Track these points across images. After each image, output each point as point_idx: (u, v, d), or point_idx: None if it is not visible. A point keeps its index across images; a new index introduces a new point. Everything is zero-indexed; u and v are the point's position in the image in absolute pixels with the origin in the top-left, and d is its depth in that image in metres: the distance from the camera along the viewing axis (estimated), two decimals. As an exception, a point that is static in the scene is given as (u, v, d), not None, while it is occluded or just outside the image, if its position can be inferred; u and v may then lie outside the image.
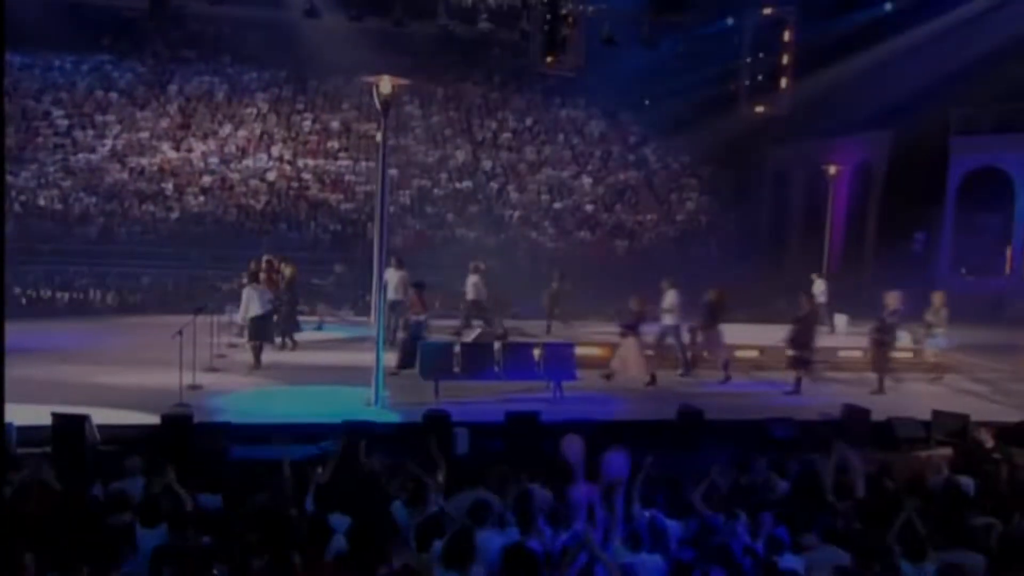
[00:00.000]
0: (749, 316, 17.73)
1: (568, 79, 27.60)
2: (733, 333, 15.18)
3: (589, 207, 28.33)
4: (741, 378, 13.91)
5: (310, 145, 28.42)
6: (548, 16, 23.34)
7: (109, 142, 26.70)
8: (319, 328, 17.05)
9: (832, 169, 21.47)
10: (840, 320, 18.28)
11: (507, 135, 30.78)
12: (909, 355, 14.84)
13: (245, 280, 14.55)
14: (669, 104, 30.65)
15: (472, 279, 15.80)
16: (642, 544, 5.53)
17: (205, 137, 27.70)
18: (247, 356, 13.43)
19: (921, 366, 14.67)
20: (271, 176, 26.74)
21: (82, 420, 9.14)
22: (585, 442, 6.33)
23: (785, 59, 25.83)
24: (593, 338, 15.31)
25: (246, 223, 24.52)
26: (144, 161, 26.12)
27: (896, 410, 11.30)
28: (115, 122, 27.43)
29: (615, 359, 13.20)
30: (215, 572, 5.11)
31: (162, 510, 5.90)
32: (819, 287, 18.44)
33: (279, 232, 24.32)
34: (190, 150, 27.04)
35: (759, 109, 26.89)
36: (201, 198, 25.24)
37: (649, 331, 13.59)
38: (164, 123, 27.76)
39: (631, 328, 13.05)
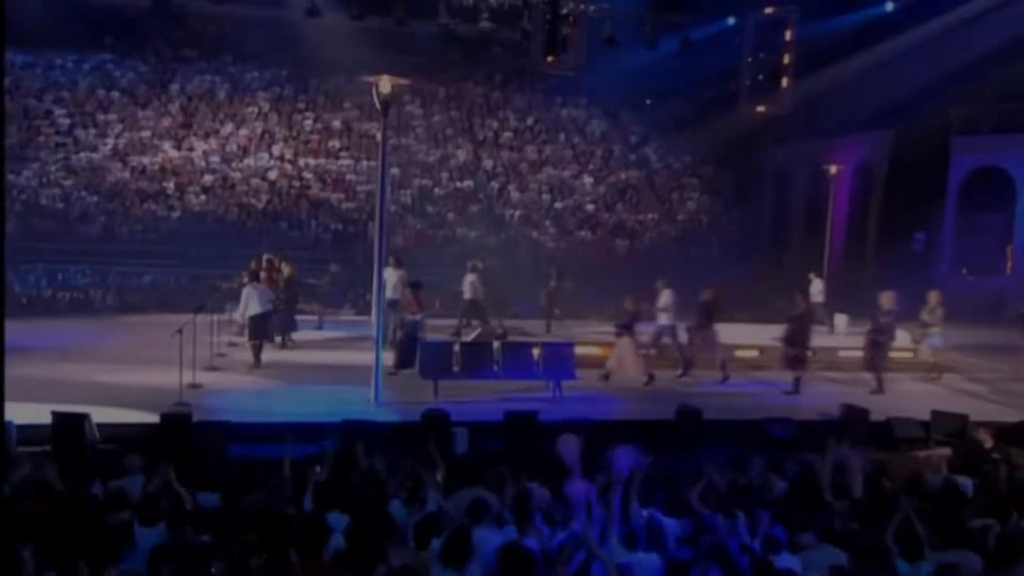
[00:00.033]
0: (749, 316, 17.75)
1: (569, 78, 27.58)
2: (733, 333, 15.20)
3: (590, 206, 28.35)
4: (739, 378, 13.91)
5: (311, 144, 28.44)
6: (549, 15, 23.34)
7: (111, 141, 26.74)
8: (319, 328, 17.07)
9: (833, 169, 21.45)
10: (840, 320, 18.29)
11: (508, 134, 30.79)
12: (908, 355, 14.83)
13: (245, 279, 14.58)
14: (670, 103, 30.65)
15: (469, 278, 15.81)
16: (639, 543, 5.54)
17: (206, 136, 27.73)
18: (247, 355, 13.46)
19: (919, 366, 14.66)
20: (272, 175, 26.77)
21: (82, 419, 9.17)
22: (582, 441, 6.33)
23: (786, 59, 25.84)
24: (593, 338, 15.31)
25: (247, 222, 24.55)
26: (145, 160, 26.16)
27: (895, 410, 11.31)
28: (117, 121, 27.46)
29: (611, 359, 13.23)
30: (213, 571, 5.12)
31: (161, 509, 5.91)
32: (816, 287, 18.45)
33: (280, 231, 24.35)
34: (191, 149, 27.07)
35: (760, 109, 26.89)
36: (202, 197, 25.27)
37: (645, 331, 13.60)
38: (166, 122, 27.79)
39: (627, 328, 13.06)
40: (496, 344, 12.88)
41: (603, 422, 10.09)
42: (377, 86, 10.93)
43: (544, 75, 28.59)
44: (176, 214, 24.31)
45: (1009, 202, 23.58)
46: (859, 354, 13.96)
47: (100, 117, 27.47)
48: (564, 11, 23.41)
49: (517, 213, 27.30)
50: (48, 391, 10.47)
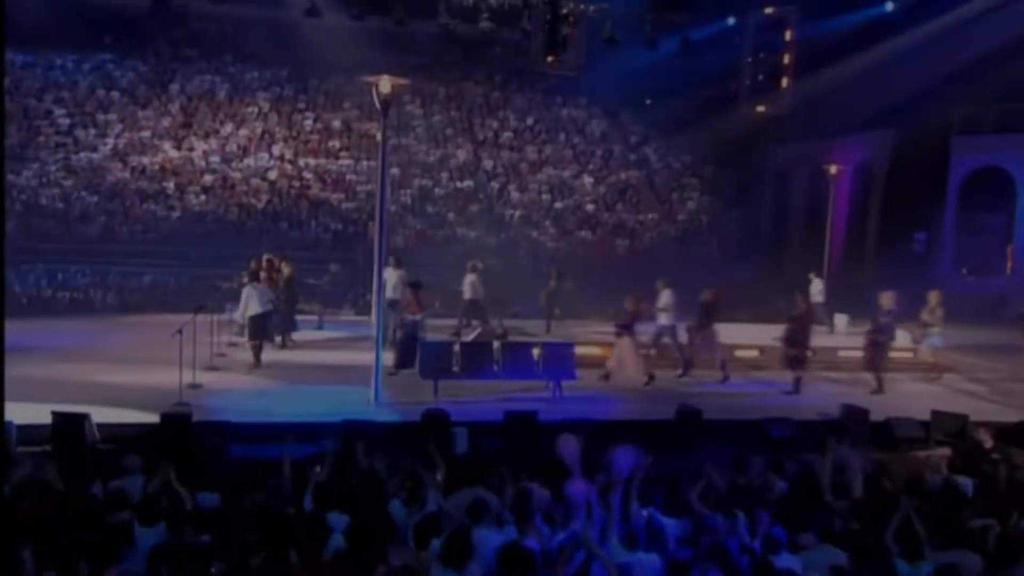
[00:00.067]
0: (750, 316, 17.74)
1: (569, 78, 27.58)
2: (734, 333, 15.20)
3: (590, 206, 28.35)
4: (739, 378, 13.90)
5: (311, 144, 28.45)
6: (549, 15, 23.35)
7: (111, 141, 26.74)
8: (319, 328, 17.08)
9: (833, 169, 21.44)
10: (840, 320, 18.28)
11: (508, 134, 30.79)
12: (908, 355, 14.83)
13: (245, 279, 14.58)
14: (670, 104, 30.65)
15: (469, 278, 15.80)
16: (639, 543, 5.53)
17: (206, 136, 27.74)
18: (247, 355, 13.46)
19: (919, 366, 14.65)
20: (272, 175, 26.77)
21: (82, 419, 9.17)
22: (582, 441, 6.33)
23: (786, 59, 25.84)
24: (593, 338, 15.31)
25: (247, 222, 24.55)
26: (145, 160, 26.16)
27: (895, 410, 11.30)
28: (117, 121, 27.46)
29: (611, 359, 13.22)
30: (213, 571, 5.11)
31: (161, 509, 5.91)
32: (816, 287, 18.44)
33: (280, 231, 24.36)
34: (191, 149, 27.08)
35: (760, 109, 26.90)
36: (202, 197, 25.27)
37: (645, 331, 13.60)
38: (166, 122, 27.79)
39: (626, 328, 13.06)
40: (496, 344, 12.87)
41: (603, 422, 10.09)
42: (377, 86, 10.93)
43: (544, 75, 28.60)
44: (176, 214, 24.32)
45: (1009, 202, 23.58)
46: (859, 354, 13.95)
47: (100, 117, 27.48)
48: (564, 11, 23.42)
49: (517, 213, 27.30)
50: (48, 391, 10.47)
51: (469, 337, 14.42)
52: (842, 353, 15.17)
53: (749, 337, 15.29)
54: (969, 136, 24.13)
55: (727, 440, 9.62)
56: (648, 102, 32.60)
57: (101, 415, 9.58)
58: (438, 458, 7.09)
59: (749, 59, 27.34)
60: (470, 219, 26.37)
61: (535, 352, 12.41)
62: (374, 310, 12.37)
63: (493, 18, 26.91)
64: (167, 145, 26.96)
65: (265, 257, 15.59)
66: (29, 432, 8.75)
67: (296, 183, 26.73)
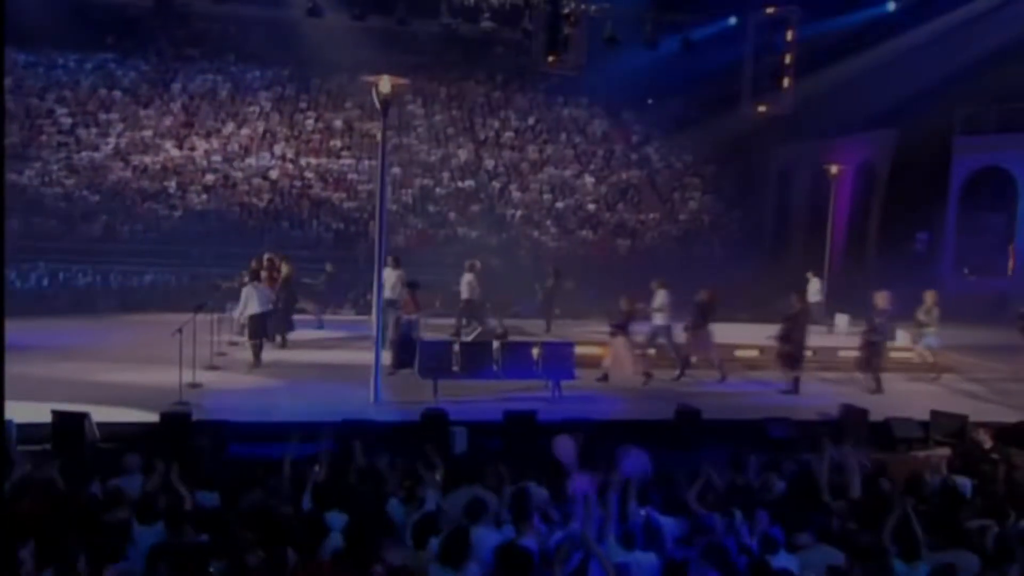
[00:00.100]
0: (751, 316, 17.72)
1: (571, 78, 27.58)
2: (734, 333, 15.20)
3: (591, 206, 28.35)
4: (737, 378, 13.89)
5: (313, 144, 28.49)
6: (550, 15, 23.34)
7: (112, 140, 26.79)
8: (320, 327, 17.10)
9: (834, 168, 21.42)
10: (841, 320, 18.26)
11: (509, 134, 30.80)
12: (908, 355, 14.82)
13: (246, 278, 14.59)
14: (672, 103, 30.66)
15: (467, 277, 15.78)
16: (637, 543, 5.53)
17: (208, 135, 27.78)
18: (247, 354, 13.47)
19: (918, 366, 14.63)
20: (274, 174, 26.81)
21: (82, 417, 9.19)
22: (579, 441, 6.34)
23: (788, 58, 25.80)
24: (593, 337, 15.30)
25: (249, 221, 24.59)
26: (147, 159, 26.21)
27: (894, 410, 11.29)
28: (118, 120, 27.52)
29: (607, 359, 13.23)
30: (212, 569, 5.12)
31: (159, 507, 5.93)
32: (814, 286, 18.42)
33: (281, 230, 24.39)
34: (193, 148, 27.12)
35: (762, 108, 26.88)
36: (204, 196, 25.31)
37: (640, 331, 13.60)
38: (167, 121, 27.84)
39: (621, 328, 13.07)
40: (495, 344, 12.87)
41: (602, 422, 10.11)
42: (377, 86, 10.94)
43: (545, 75, 28.61)
44: (178, 213, 24.35)
45: (1011, 202, 23.56)
46: (857, 354, 13.90)
47: (102, 116, 27.53)
48: (565, 11, 23.42)
49: (518, 213, 27.31)
50: (48, 390, 10.49)
51: (469, 337, 14.42)
52: (842, 353, 15.14)
53: (750, 337, 15.27)
54: (970, 136, 24.12)
55: (726, 440, 9.62)
56: (649, 102, 32.61)
57: (101, 414, 9.60)
58: (436, 458, 7.10)
59: (751, 59, 27.31)
60: (471, 219, 26.39)
61: (534, 352, 12.40)
62: (374, 310, 12.38)
63: (494, 18, 26.91)
64: (169, 144, 27.01)
65: (266, 256, 15.61)
66: (29, 431, 8.78)
67: (298, 182, 26.77)
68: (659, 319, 13.76)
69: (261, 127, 28.59)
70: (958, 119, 24.19)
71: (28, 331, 13.58)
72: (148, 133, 27.20)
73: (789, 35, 25.58)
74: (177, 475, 6.51)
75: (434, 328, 15.84)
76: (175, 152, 26.80)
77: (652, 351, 14.08)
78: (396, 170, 27.23)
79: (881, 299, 13.49)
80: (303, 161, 27.63)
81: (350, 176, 27.44)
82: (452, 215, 26.57)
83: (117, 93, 28.45)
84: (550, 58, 23.74)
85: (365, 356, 11.92)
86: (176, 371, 10.92)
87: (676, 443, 9.85)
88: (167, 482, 6.45)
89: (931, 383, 14.17)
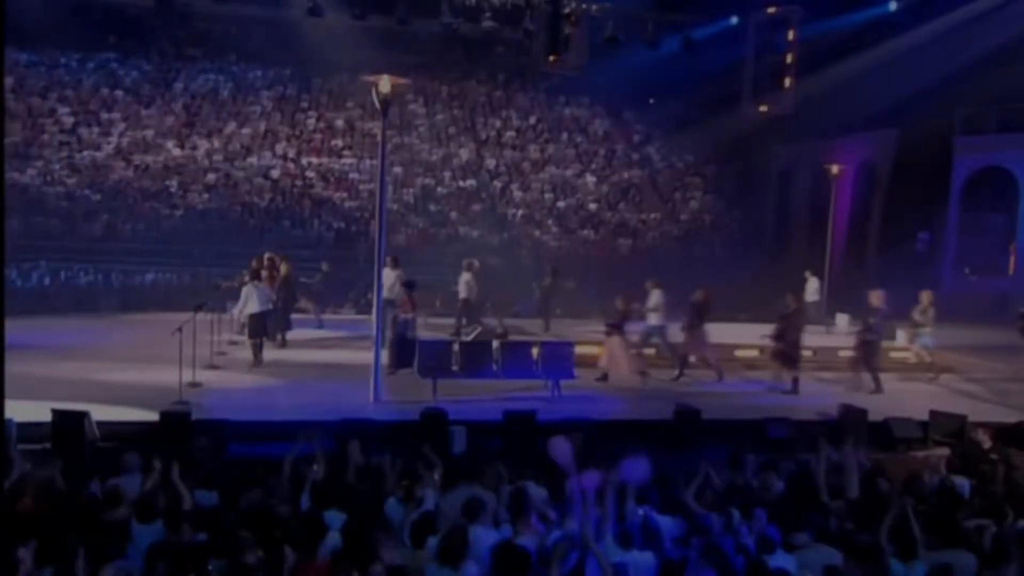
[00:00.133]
0: (751, 315, 17.71)
1: (572, 77, 27.60)
2: (734, 332, 15.19)
3: (593, 206, 28.36)
4: (738, 378, 13.88)
5: (314, 143, 28.53)
6: (551, 15, 23.35)
7: (114, 139, 26.84)
8: (320, 326, 17.12)
9: (835, 168, 21.40)
10: (841, 320, 18.25)
11: (511, 133, 30.81)
12: (907, 355, 14.81)
13: (247, 278, 14.61)
14: (673, 103, 30.65)
15: (465, 277, 15.77)
16: (634, 542, 5.54)
17: (210, 135, 27.82)
18: (247, 353, 13.49)
19: (918, 366, 14.62)
20: (275, 174, 26.85)
21: (81, 416, 9.20)
22: (577, 442, 6.33)
23: (789, 58, 25.78)
24: (593, 337, 15.30)
25: (250, 221, 24.62)
26: (149, 159, 26.25)
27: (893, 410, 11.28)
28: (120, 120, 27.57)
29: (602, 358, 13.23)
30: (210, 568, 5.14)
31: (158, 506, 5.94)
32: (812, 285, 18.39)
33: (283, 230, 24.42)
34: (195, 148, 27.16)
35: (763, 108, 26.86)
36: (205, 196, 25.34)
37: (635, 331, 13.61)
38: (169, 121, 27.89)
39: (616, 327, 13.08)
40: (495, 343, 12.87)
41: (602, 422, 10.13)
42: (376, 86, 10.94)
43: (547, 74, 28.65)
44: (179, 212, 24.38)
45: (1012, 202, 23.55)
46: (851, 354, 13.87)
47: (104, 116, 27.58)
48: (566, 10, 23.44)
49: (519, 212, 27.32)
50: (48, 389, 10.51)
51: (469, 336, 14.43)
52: (842, 353, 15.13)
53: (749, 337, 15.27)
54: (972, 136, 24.10)
55: (726, 440, 9.62)
56: (651, 101, 32.60)
57: (101, 413, 9.62)
58: (435, 458, 7.11)
59: (751, 59, 27.30)
60: (472, 218, 26.41)
61: (534, 351, 12.40)
62: (374, 309, 12.39)
63: (495, 17, 26.95)
64: (170, 144, 27.05)
65: (267, 256, 15.63)
66: (29, 430, 8.79)
67: (299, 182, 26.80)
68: (654, 319, 13.76)
69: (262, 126, 28.63)
70: (959, 119, 24.16)
71: (29, 330, 13.63)
72: (150, 132, 27.24)
73: (790, 35, 25.56)
74: (177, 474, 6.52)
75: (434, 328, 15.85)
76: (176, 151, 26.84)
77: (651, 351, 14.07)
78: (398, 169, 27.28)
79: (876, 298, 13.45)
80: (304, 160, 27.66)
81: (351, 175, 27.46)
82: (453, 214, 26.59)
83: (119, 92, 28.50)
84: (551, 58, 23.76)
85: (365, 355, 11.93)
86: (176, 370, 10.93)
87: (675, 443, 9.85)
88: (166, 481, 6.47)
89: (930, 383, 14.15)
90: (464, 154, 29.35)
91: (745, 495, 6.94)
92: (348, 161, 28.02)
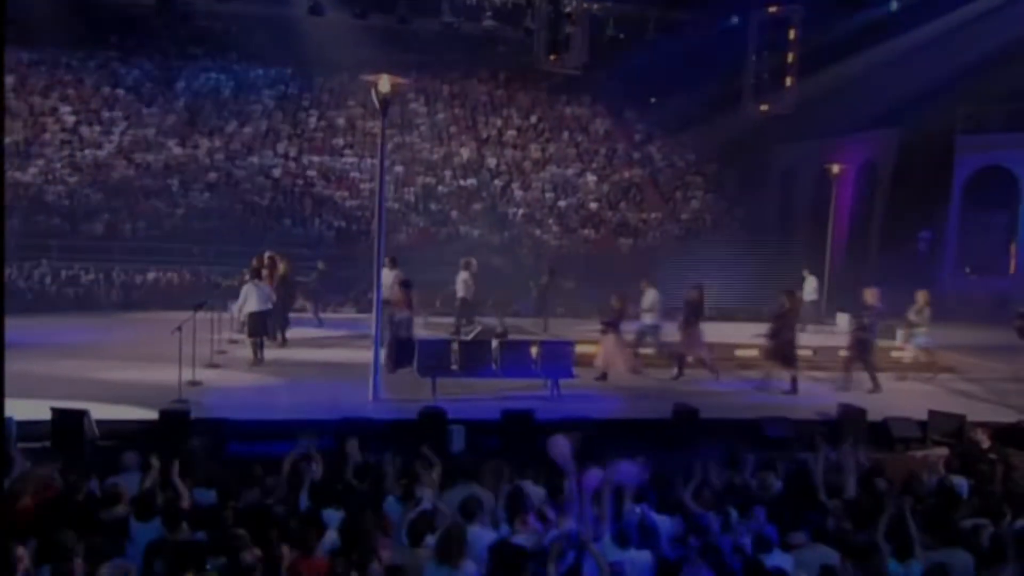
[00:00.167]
0: (751, 315, 17.72)
1: (573, 77, 27.54)
2: (734, 332, 15.18)
3: (593, 205, 28.35)
4: (737, 377, 13.89)
5: (315, 142, 28.53)
6: (552, 14, 23.36)
7: (115, 138, 26.85)
8: (320, 325, 17.14)
9: (837, 168, 21.40)
10: (842, 319, 18.22)
11: (512, 132, 30.80)
12: (905, 354, 14.79)
13: (247, 276, 14.63)
14: (674, 102, 30.55)
15: (462, 276, 15.78)
16: (632, 541, 5.55)
17: (211, 133, 27.83)
18: (247, 352, 13.52)
19: (915, 366, 14.61)
20: (276, 173, 26.85)
21: (81, 415, 9.22)
22: (576, 441, 6.34)
23: (790, 57, 25.80)
24: (592, 336, 15.29)
25: (251, 219, 24.62)
26: (150, 157, 26.25)
27: (892, 410, 11.28)
28: (121, 118, 27.58)
29: (598, 357, 13.24)
30: (209, 567, 5.16)
31: (157, 505, 5.96)
32: (810, 284, 18.37)
33: (284, 228, 24.44)
34: (196, 146, 27.17)
35: (764, 107, 26.86)
36: (206, 194, 25.36)
37: (629, 330, 13.60)
38: (170, 119, 27.90)
39: (612, 325, 13.08)
40: (494, 342, 12.88)
41: (601, 421, 10.14)
42: (376, 85, 10.94)
43: (548, 73, 28.56)
44: (180, 211, 24.39)
45: (1013, 201, 23.54)
46: (847, 353, 13.85)
47: (105, 114, 27.60)
48: (567, 10, 23.43)
49: (520, 211, 27.32)
50: (48, 387, 10.54)
51: (469, 335, 14.44)
52: (842, 352, 15.11)
53: (749, 336, 15.27)
54: (973, 135, 24.09)
55: (725, 439, 9.61)
56: (652, 100, 32.57)
57: (101, 411, 9.63)
58: (433, 457, 7.12)
59: (753, 58, 27.29)
60: (473, 217, 26.41)
61: (533, 350, 12.40)
62: (374, 309, 12.40)
63: (496, 16, 26.96)
64: (172, 142, 27.06)
65: (267, 254, 15.64)
66: (29, 428, 8.81)
67: (300, 181, 26.81)
68: (648, 319, 13.76)
69: (264, 125, 28.64)
70: (960, 118, 24.14)
71: (30, 329, 13.66)
72: (151, 131, 27.25)
73: (791, 34, 25.58)
74: (176, 473, 6.54)
75: (434, 327, 15.87)
76: (178, 150, 26.86)
77: (650, 350, 14.07)
78: (398, 168, 27.30)
79: (870, 296, 13.42)
80: (305, 159, 27.67)
81: (352, 174, 27.47)
82: (454, 213, 26.59)
83: (120, 91, 28.51)
84: (552, 57, 23.77)
85: (364, 354, 11.95)
86: (176, 369, 10.95)
87: (673, 442, 9.86)
88: (165, 479, 6.48)
89: (928, 383, 14.13)
90: (465, 153, 29.35)
91: (743, 494, 6.95)
92: (349, 160, 28.03)
